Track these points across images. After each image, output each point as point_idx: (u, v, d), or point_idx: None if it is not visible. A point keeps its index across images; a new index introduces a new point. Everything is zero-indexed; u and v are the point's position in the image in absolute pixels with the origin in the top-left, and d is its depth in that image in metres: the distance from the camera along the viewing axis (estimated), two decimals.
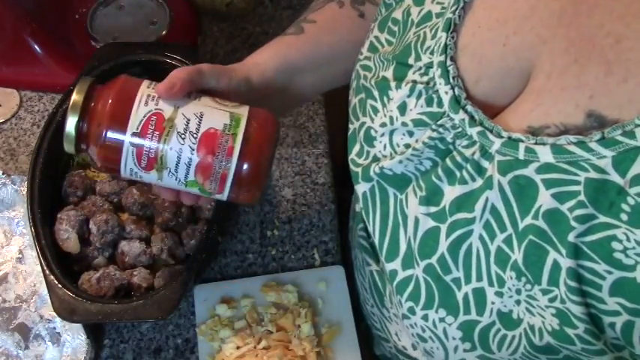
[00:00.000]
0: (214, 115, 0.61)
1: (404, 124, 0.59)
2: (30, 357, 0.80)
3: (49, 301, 0.76)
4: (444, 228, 0.57)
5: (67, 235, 0.81)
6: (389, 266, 0.63)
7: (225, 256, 0.88)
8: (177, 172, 0.61)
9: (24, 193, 0.86)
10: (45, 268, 0.77)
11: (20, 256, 0.86)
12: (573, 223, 0.48)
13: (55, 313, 0.75)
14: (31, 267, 0.85)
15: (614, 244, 0.47)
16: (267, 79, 0.72)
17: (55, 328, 0.81)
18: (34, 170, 0.83)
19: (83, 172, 0.88)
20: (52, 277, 0.76)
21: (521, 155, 0.51)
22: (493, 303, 0.55)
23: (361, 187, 0.64)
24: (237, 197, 0.64)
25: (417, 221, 0.59)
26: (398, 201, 0.62)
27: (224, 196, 0.63)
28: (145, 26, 1.03)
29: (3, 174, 0.89)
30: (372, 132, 0.63)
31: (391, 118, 0.60)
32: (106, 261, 0.83)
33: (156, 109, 0.60)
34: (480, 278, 0.55)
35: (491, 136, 0.53)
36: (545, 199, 0.50)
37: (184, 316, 0.84)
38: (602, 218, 0.47)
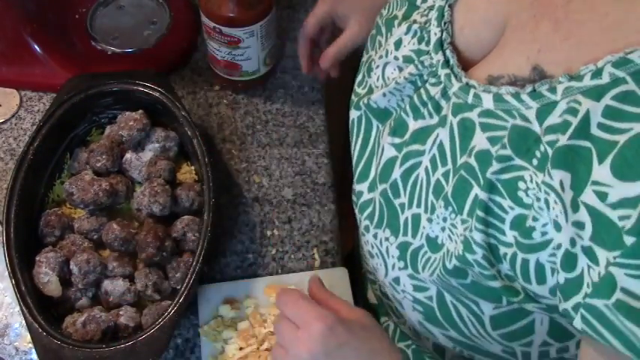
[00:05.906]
0: None
1: (396, 57, 0.65)
2: None
3: (23, 333, 0.73)
4: (400, 157, 0.63)
5: (47, 278, 0.77)
6: (357, 187, 0.71)
7: (225, 256, 0.88)
8: None
9: None
10: (27, 316, 0.73)
11: None
12: (494, 162, 0.53)
13: (32, 345, 0.72)
14: (0, 299, 0.81)
15: (520, 184, 0.52)
16: None
17: None
18: (8, 213, 0.79)
19: (59, 210, 0.85)
20: (35, 325, 0.73)
21: (469, 100, 0.56)
22: (424, 228, 0.61)
23: (352, 114, 0.72)
24: None
25: (383, 149, 0.65)
26: (379, 132, 0.69)
27: None
28: (145, 26, 1.03)
29: None
30: (373, 64, 0.69)
31: (387, 51, 0.66)
32: (89, 302, 0.80)
33: None
34: (419, 205, 0.62)
35: (453, 80, 0.59)
36: (479, 141, 0.55)
37: (184, 316, 0.84)
38: (518, 161, 0.52)
